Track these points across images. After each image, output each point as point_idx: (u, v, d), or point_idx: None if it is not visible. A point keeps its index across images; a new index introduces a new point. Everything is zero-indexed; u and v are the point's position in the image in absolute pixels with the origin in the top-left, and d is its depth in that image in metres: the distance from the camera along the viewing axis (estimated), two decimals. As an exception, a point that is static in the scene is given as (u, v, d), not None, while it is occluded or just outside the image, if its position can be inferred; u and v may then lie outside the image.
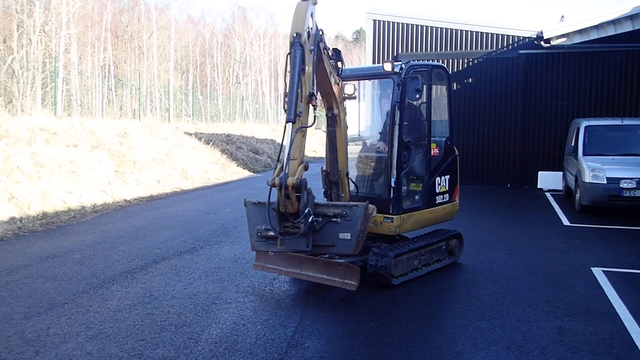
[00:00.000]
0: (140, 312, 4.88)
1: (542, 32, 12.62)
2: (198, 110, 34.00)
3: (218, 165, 17.26)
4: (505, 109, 14.05)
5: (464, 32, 14.27)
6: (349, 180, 6.02)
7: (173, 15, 45.38)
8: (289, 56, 4.64)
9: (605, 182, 9.36)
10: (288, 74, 4.64)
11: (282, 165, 4.45)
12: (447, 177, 6.44)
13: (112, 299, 5.22)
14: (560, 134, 13.66)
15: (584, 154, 10.41)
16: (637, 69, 13.30)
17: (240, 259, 6.74)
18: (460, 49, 14.31)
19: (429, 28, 14.53)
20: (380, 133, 6.44)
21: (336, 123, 5.71)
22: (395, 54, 14.66)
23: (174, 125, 21.40)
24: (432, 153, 6.18)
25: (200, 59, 49.47)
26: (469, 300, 5.25)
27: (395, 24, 14.78)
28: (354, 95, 5.98)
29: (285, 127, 4.53)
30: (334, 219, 4.66)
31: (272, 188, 4.43)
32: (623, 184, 9.21)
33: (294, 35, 4.61)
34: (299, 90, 4.54)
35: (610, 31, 12.05)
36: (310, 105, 4.74)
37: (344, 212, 4.65)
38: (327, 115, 5.74)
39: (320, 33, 5.04)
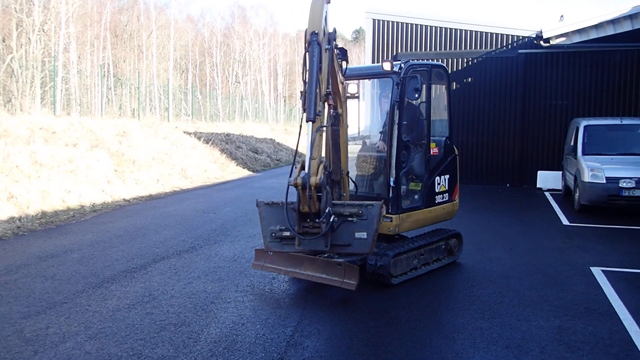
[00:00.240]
0: (139, 311, 4.88)
1: (541, 32, 12.63)
2: (197, 109, 34.01)
3: (217, 164, 17.24)
4: (505, 109, 14.05)
5: (464, 31, 14.26)
6: (349, 180, 6.01)
7: (172, 14, 45.43)
8: (306, 54, 4.59)
9: (604, 181, 9.37)
10: (306, 73, 4.59)
11: (302, 165, 4.40)
12: (447, 176, 6.44)
13: (111, 299, 5.21)
14: (559, 134, 13.66)
15: (583, 153, 10.42)
16: (636, 69, 13.30)
17: (239, 258, 6.74)
18: (459, 49, 14.30)
19: (429, 27, 14.52)
20: (379, 132, 6.44)
21: (340, 122, 5.71)
22: (394, 54, 14.65)
23: (173, 124, 21.39)
24: (431, 152, 6.18)
25: (200, 58, 49.46)
26: (468, 300, 5.26)
27: (395, 23, 14.77)
28: (357, 95, 5.97)
29: (300, 126, 4.54)
30: (349, 219, 4.62)
31: (288, 187, 4.38)
32: (622, 184, 9.21)
33: (311, 33, 4.56)
34: (317, 90, 4.51)
35: (610, 31, 12.07)
36: (326, 104, 4.73)
37: (360, 212, 4.60)
38: (331, 114, 5.74)
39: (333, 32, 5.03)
